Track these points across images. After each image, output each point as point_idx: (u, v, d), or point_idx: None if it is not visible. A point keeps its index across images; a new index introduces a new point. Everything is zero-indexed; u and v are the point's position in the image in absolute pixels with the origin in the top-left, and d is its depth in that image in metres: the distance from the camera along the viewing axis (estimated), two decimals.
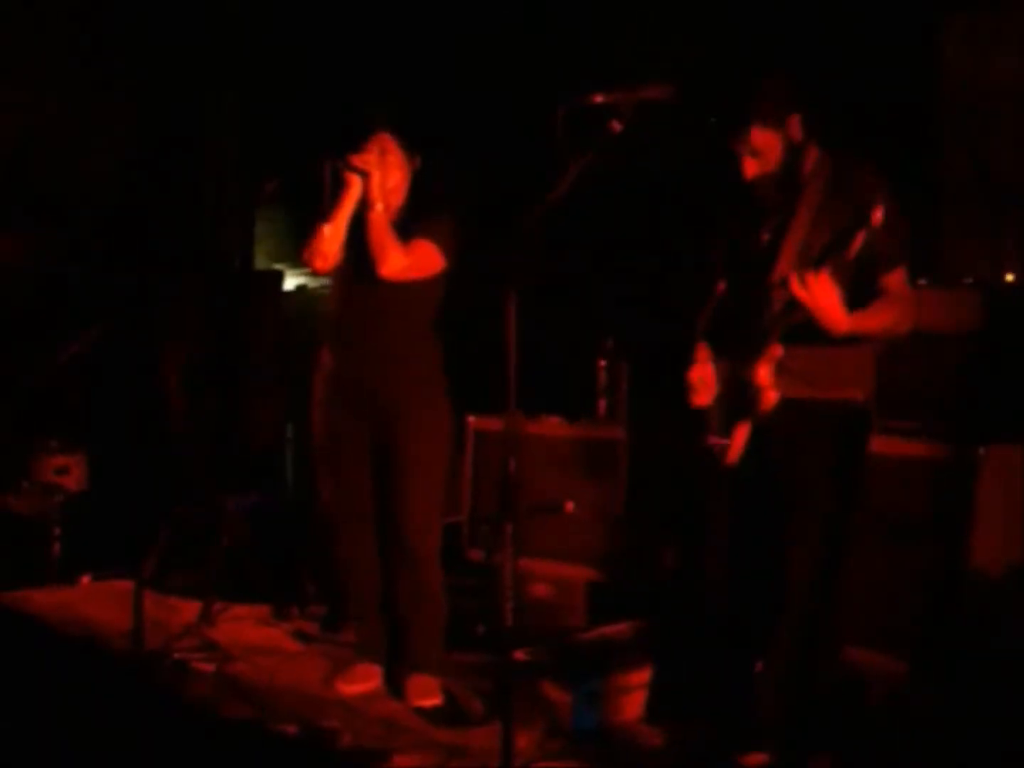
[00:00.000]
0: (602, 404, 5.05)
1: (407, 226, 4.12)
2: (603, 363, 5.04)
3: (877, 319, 3.28)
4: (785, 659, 3.40)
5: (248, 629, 5.07)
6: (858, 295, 3.25)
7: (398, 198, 4.19)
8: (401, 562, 4.23)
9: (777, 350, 3.29)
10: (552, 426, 5.05)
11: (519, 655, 4.29)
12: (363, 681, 4.30)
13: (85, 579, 5.82)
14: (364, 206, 4.06)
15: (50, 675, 4.42)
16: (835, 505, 3.37)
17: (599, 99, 3.33)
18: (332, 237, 4.12)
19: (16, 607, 5.34)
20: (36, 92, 6.91)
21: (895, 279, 3.30)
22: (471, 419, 5.25)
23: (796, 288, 3.16)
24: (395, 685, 4.29)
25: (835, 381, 3.37)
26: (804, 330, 3.26)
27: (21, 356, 6.37)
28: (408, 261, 4.05)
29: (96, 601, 5.42)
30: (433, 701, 4.17)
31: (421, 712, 4.09)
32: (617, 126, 3.34)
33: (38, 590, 5.59)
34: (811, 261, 3.17)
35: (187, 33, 7.17)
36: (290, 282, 7.14)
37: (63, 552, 5.90)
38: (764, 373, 3.31)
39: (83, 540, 5.91)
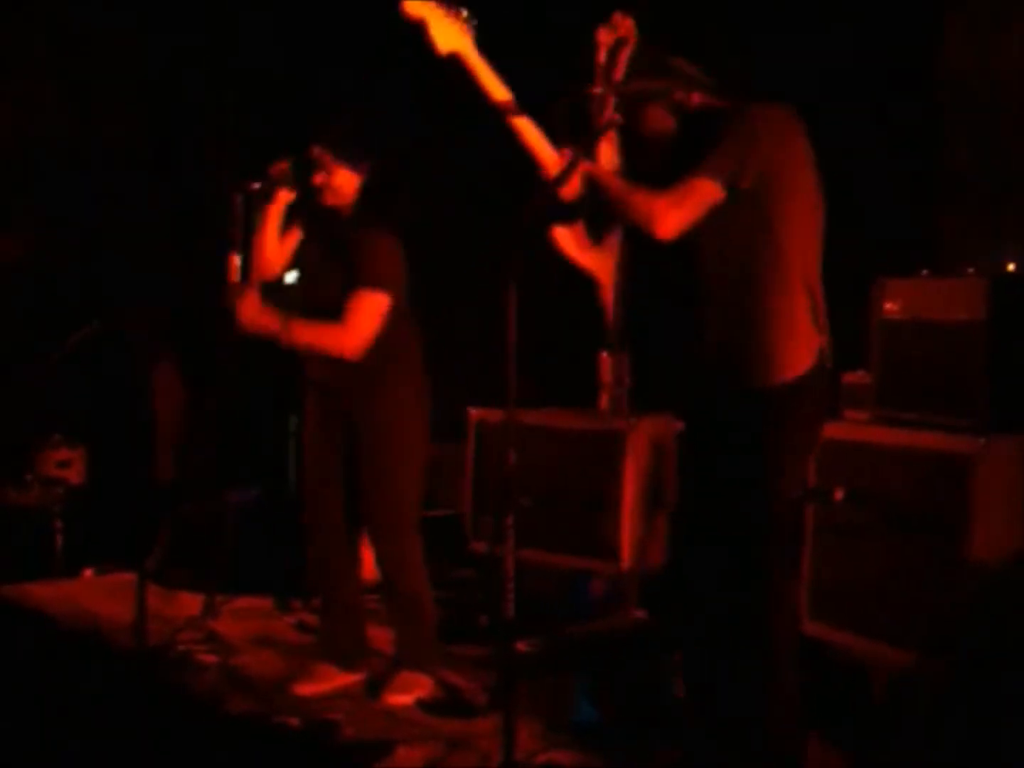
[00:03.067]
0: (604, 396, 5.04)
1: (355, 227, 4.17)
2: (605, 354, 5.03)
3: None
4: (722, 658, 3.40)
5: (251, 622, 5.08)
6: None
7: (344, 198, 4.21)
8: (377, 561, 4.30)
9: None
10: (554, 418, 5.05)
11: (521, 647, 4.30)
12: (322, 682, 4.29)
13: (88, 572, 5.83)
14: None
15: (53, 668, 4.43)
16: (749, 510, 3.23)
17: (598, 91, 3.33)
18: (271, 251, 4.35)
19: (19, 600, 5.35)
20: (36, 92, 6.91)
21: None
22: (472, 411, 5.25)
23: None
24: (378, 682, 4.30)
25: (744, 367, 3.21)
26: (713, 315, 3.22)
27: (23, 353, 6.38)
28: (360, 335, 4.11)
29: (99, 594, 5.43)
30: (404, 699, 4.16)
31: (423, 704, 4.10)
32: (616, 118, 3.34)
33: (41, 583, 5.60)
34: None
35: (187, 32, 7.16)
36: (290, 276, 7.13)
37: (66, 545, 5.91)
38: None
39: (86, 533, 5.93)
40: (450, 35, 3.24)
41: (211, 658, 4.54)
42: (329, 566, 4.35)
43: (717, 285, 3.21)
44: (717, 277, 3.20)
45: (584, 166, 3.21)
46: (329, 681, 4.28)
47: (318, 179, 4.16)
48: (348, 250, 4.12)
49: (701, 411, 3.35)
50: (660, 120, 3.33)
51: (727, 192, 3.10)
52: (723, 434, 3.26)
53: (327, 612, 4.41)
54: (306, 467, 4.40)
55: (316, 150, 4.15)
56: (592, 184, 3.23)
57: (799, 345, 3.18)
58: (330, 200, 4.19)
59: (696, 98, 3.31)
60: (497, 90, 3.29)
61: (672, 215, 3.08)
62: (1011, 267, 3.96)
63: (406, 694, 4.16)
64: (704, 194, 3.09)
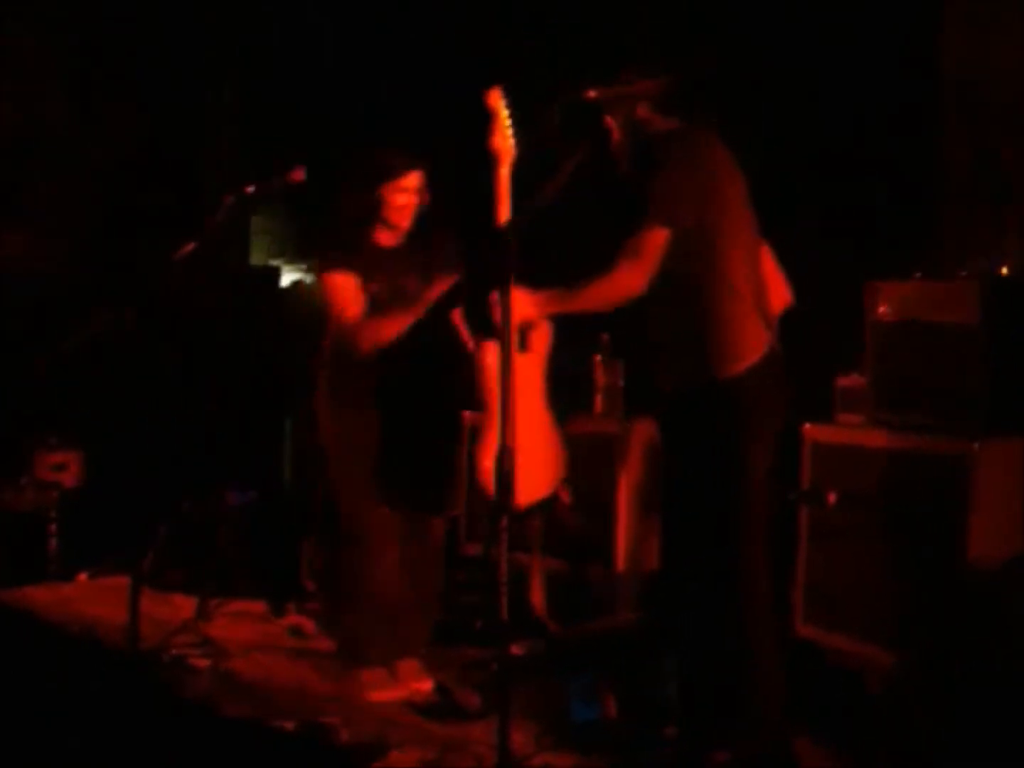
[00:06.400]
0: (598, 399, 5.05)
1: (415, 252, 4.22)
2: (599, 358, 5.04)
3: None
4: (698, 655, 3.46)
5: (245, 625, 5.08)
6: None
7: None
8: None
9: None
10: None
11: (516, 649, 4.30)
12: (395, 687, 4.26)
13: (82, 576, 5.83)
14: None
15: (48, 671, 4.42)
16: (715, 499, 3.37)
17: (593, 95, 3.34)
18: None
19: (14, 604, 5.34)
20: (36, 91, 6.90)
21: None
22: (467, 414, 5.24)
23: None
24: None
25: (695, 364, 3.40)
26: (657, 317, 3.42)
27: (21, 354, 6.37)
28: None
29: (93, 598, 5.43)
30: (427, 684, 4.19)
31: (417, 707, 4.10)
32: (611, 122, 3.35)
33: (35, 586, 5.60)
34: None
35: (187, 30, 7.16)
36: (286, 278, 7.14)
37: (60, 549, 5.90)
38: None
39: (81, 537, 5.92)
40: (505, 141, 3.67)
41: (205, 662, 4.53)
42: (375, 570, 4.25)
43: (665, 294, 3.39)
44: (665, 286, 3.37)
45: (546, 310, 3.54)
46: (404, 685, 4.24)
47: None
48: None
49: (664, 409, 3.55)
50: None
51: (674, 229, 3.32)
52: (684, 427, 3.44)
53: (367, 617, 4.27)
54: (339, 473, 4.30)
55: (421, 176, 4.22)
56: (559, 313, 3.58)
57: (746, 340, 3.37)
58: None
59: (642, 111, 3.46)
60: (504, 209, 3.63)
61: (636, 271, 3.33)
62: (1005, 270, 3.96)
63: (425, 679, 4.23)
64: (655, 242, 3.32)
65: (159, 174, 7.19)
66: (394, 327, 4.10)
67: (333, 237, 4.26)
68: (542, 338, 3.84)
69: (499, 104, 3.73)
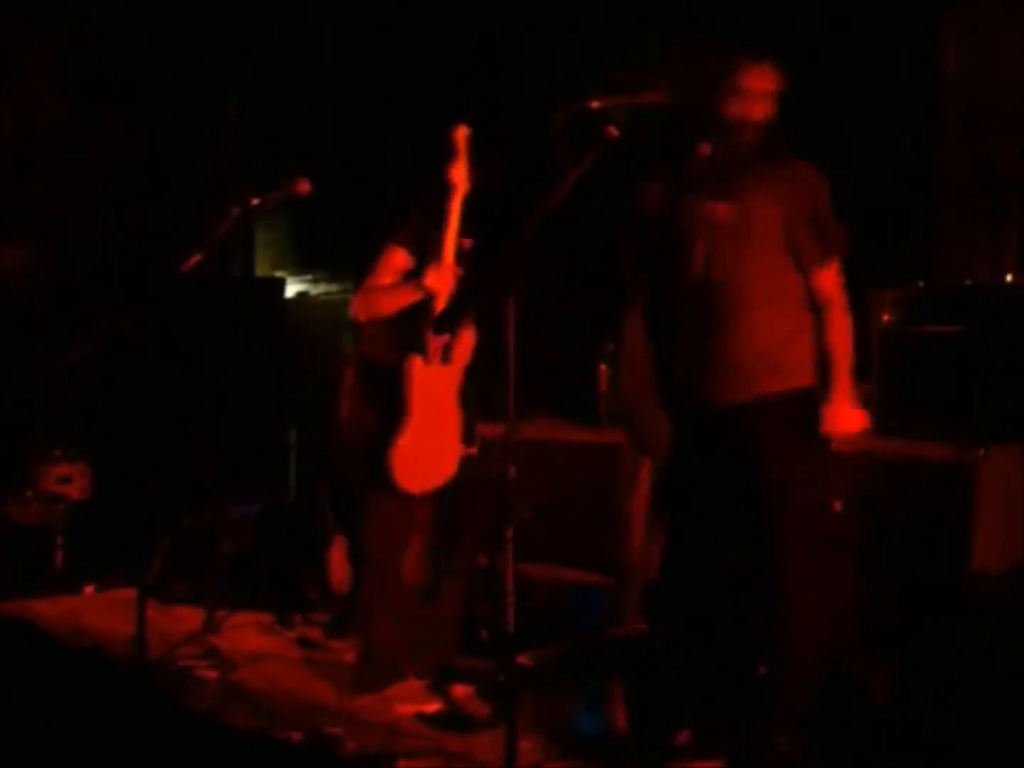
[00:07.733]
0: (603, 408, 5.06)
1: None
2: (604, 367, 5.04)
3: None
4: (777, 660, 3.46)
5: (251, 636, 5.07)
6: None
7: None
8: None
9: None
10: (553, 430, 5.05)
11: (522, 659, 4.30)
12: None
13: (88, 588, 5.83)
14: None
15: (53, 684, 4.42)
16: (803, 499, 3.40)
17: (596, 105, 3.34)
18: None
19: (19, 616, 5.34)
20: (36, 94, 6.92)
21: None
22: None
23: None
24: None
25: (780, 373, 3.41)
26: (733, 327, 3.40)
27: (24, 365, 6.37)
28: None
29: (99, 610, 5.42)
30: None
31: (424, 717, 4.10)
32: (613, 132, 3.35)
33: (41, 599, 5.60)
34: None
35: (189, 34, 7.17)
36: (291, 289, 7.15)
37: (66, 561, 5.90)
38: None
39: (86, 549, 5.92)
40: (460, 175, 3.95)
41: (211, 673, 4.53)
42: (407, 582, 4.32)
43: (747, 305, 3.40)
44: (748, 298, 3.40)
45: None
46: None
47: None
48: None
49: (725, 418, 3.46)
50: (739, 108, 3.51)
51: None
52: (762, 437, 3.40)
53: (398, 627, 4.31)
54: None
55: None
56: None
57: (814, 353, 3.40)
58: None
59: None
60: (449, 246, 3.94)
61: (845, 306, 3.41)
62: (1009, 277, 3.97)
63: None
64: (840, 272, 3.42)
65: (160, 179, 7.20)
66: (388, 302, 4.10)
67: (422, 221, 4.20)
68: (463, 349, 4.04)
69: (463, 140, 3.94)
